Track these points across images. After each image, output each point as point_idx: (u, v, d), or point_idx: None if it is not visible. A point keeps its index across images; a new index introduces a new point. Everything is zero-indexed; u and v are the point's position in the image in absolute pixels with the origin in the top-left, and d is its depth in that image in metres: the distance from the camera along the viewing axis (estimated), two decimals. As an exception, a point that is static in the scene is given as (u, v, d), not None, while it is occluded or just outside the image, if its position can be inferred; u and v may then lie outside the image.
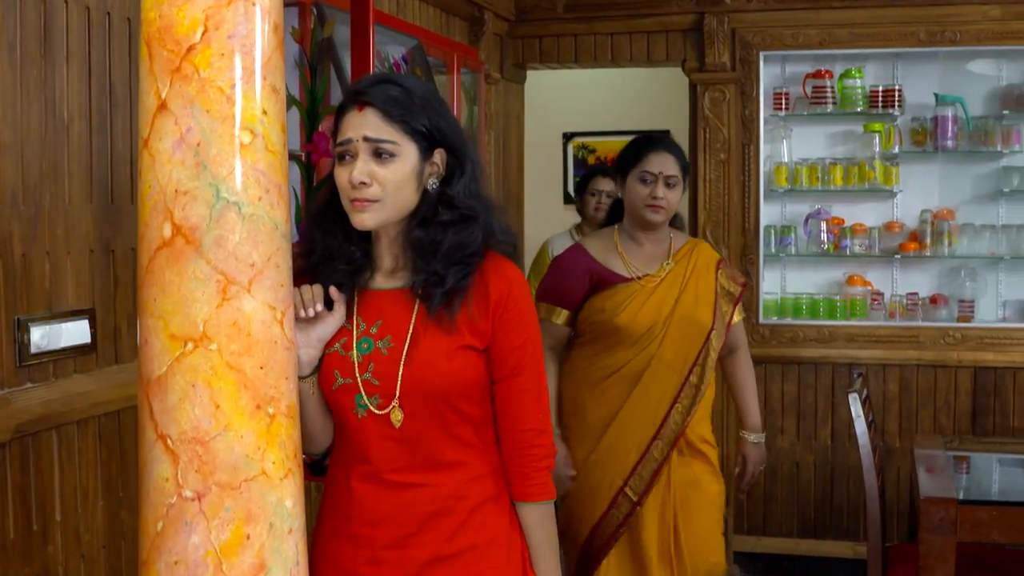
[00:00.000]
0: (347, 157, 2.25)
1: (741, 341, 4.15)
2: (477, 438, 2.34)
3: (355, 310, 2.32)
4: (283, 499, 2.01)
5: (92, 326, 2.92)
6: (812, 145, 6.44)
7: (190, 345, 1.94)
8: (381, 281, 2.34)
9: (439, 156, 2.28)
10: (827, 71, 6.27)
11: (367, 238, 2.34)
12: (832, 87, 6.28)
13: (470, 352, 2.28)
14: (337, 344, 2.30)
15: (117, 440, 2.98)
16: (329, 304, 2.27)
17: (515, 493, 2.37)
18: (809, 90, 6.30)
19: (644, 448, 3.84)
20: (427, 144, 2.26)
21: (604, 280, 3.92)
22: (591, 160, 8.78)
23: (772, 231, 6.38)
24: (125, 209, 3.03)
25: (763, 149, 6.29)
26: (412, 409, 2.26)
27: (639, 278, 3.91)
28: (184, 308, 1.94)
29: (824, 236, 6.35)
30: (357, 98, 2.25)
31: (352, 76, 3.33)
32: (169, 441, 1.95)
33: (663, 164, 3.86)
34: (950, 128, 6.11)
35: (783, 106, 6.31)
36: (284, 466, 2.02)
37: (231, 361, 1.95)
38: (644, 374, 3.85)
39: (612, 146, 8.50)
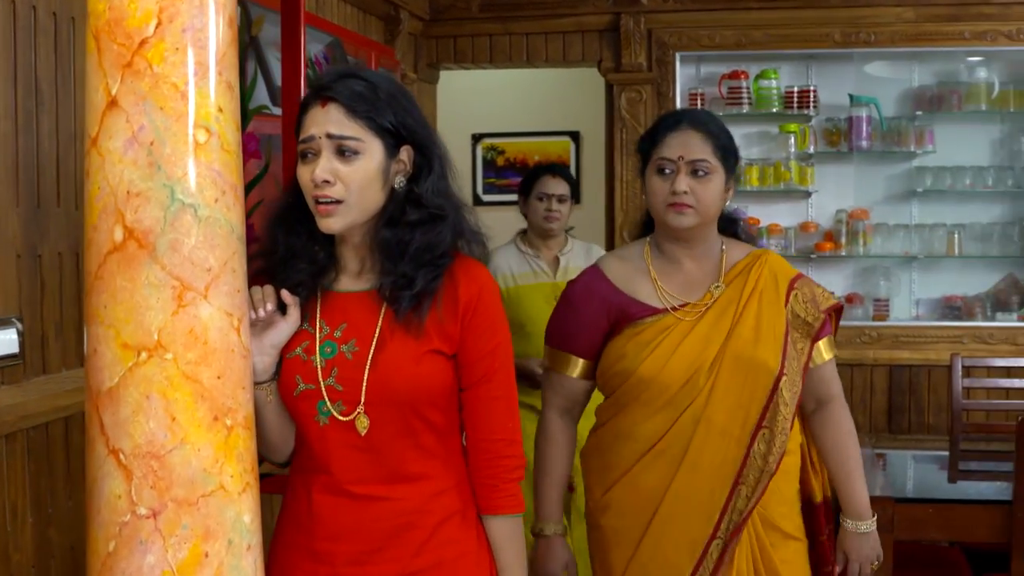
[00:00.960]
0: (309, 155, 2.15)
1: (834, 390, 2.97)
2: (443, 448, 2.25)
3: (318, 313, 2.23)
4: (241, 514, 1.92)
5: (19, 335, 2.79)
6: (728, 146, 6.44)
7: (144, 354, 1.84)
8: (346, 283, 2.25)
9: (406, 153, 2.19)
10: (743, 72, 6.30)
11: (331, 239, 2.24)
12: (748, 88, 6.31)
13: (438, 357, 2.20)
14: (298, 348, 2.20)
15: (46, 455, 2.85)
16: (283, 308, 2.18)
17: (483, 506, 2.28)
18: (725, 91, 6.33)
19: (700, 553, 2.81)
20: (393, 141, 2.17)
21: (627, 313, 2.88)
22: (500, 161, 8.71)
23: (689, 232, 6.38)
24: (51, 212, 2.91)
25: (679, 150, 6.28)
26: (378, 416, 2.17)
27: (675, 309, 2.85)
28: (137, 316, 1.84)
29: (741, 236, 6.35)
30: (320, 93, 2.16)
31: (283, 76, 3.23)
32: (122, 456, 1.85)
33: (686, 145, 2.80)
34: (864, 129, 6.18)
35: (699, 106, 6.32)
36: (242, 480, 1.93)
37: (187, 371, 1.85)
38: (690, 447, 2.79)
39: (521, 147, 8.46)
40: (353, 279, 2.25)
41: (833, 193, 6.38)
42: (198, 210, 1.86)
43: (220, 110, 1.89)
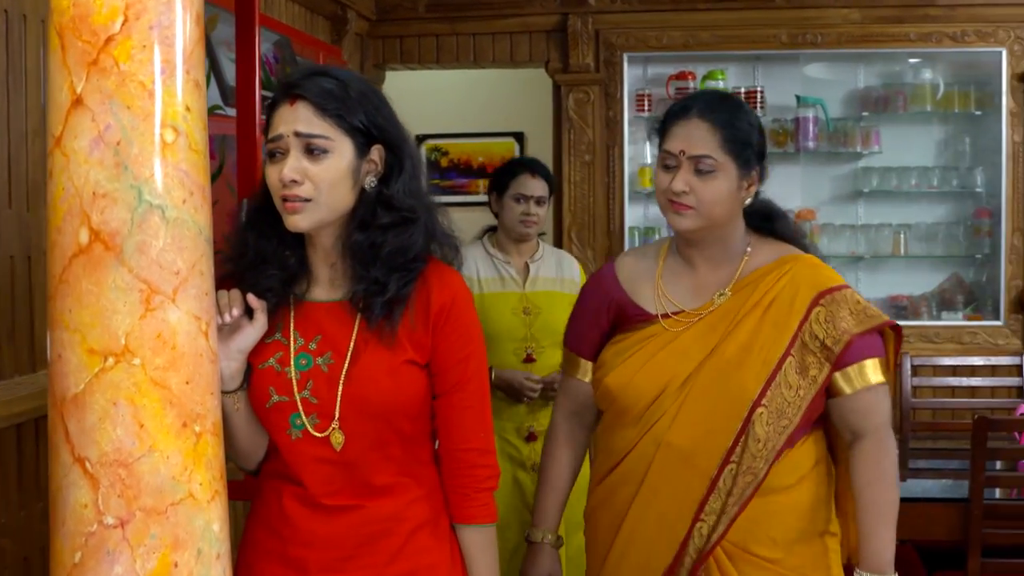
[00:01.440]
0: (277, 154, 2.11)
1: (870, 422, 2.51)
2: (415, 459, 2.22)
3: (291, 324, 2.18)
4: (211, 522, 1.88)
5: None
6: (675, 146, 6.45)
7: (111, 360, 1.79)
8: (319, 293, 2.20)
9: (377, 153, 2.15)
10: (690, 73, 6.32)
11: (302, 244, 2.20)
12: (695, 89, 6.31)
13: (412, 367, 2.16)
14: (272, 359, 2.16)
15: (-1, 462, 2.79)
16: (250, 313, 2.13)
17: (456, 515, 2.24)
18: (672, 91, 6.33)
19: None
20: (364, 140, 2.13)
21: (623, 316, 2.65)
22: (444, 163, 8.65)
23: (636, 232, 6.39)
24: (3, 214, 2.85)
25: (627, 150, 6.29)
26: (353, 430, 2.13)
27: (666, 316, 2.58)
28: (104, 320, 1.79)
29: (688, 237, 6.37)
30: (289, 91, 2.12)
31: (238, 76, 3.18)
32: (88, 464, 1.80)
33: (688, 138, 2.49)
34: (811, 129, 6.22)
35: (646, 107, 6.33)
36: (211, 487, 1.88)
37: (155, 376, 1.81)
38: (649, 471, 2.53)
39: (465, 148, 8.42)
40: (326, 288, 2.20)
41: (780, 193, 6.28)
42: (166, 211, 1.81)
43: (188, 109, 1.85)
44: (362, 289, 2.14)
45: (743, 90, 6.28)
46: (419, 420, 2.20)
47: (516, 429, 4.28)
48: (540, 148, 7.92)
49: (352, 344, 2.14)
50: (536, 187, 4.33)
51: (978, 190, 6.20)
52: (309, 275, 2.21)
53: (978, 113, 6.18)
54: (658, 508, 2.51)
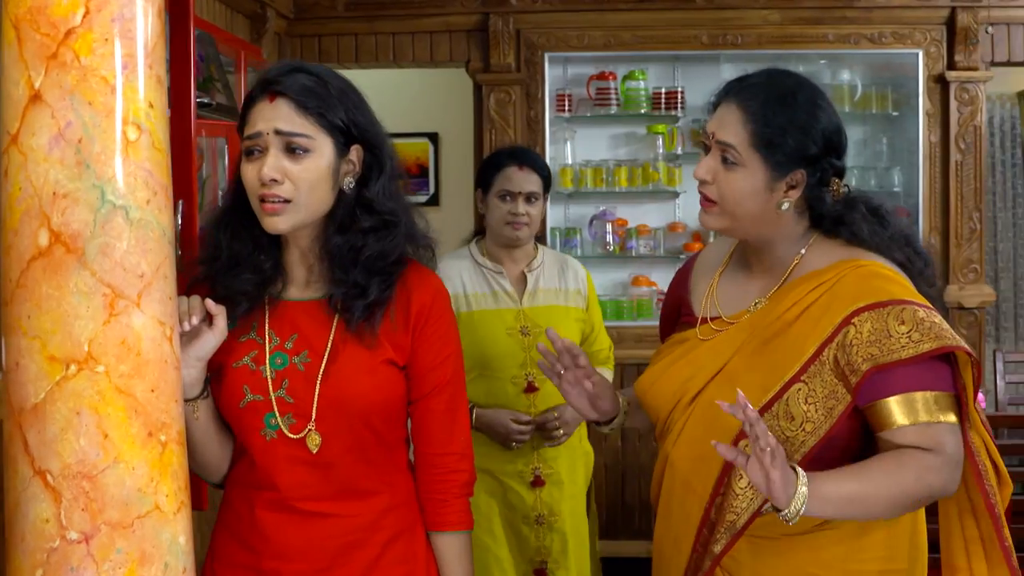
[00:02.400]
0: (256, 152, 2.05)
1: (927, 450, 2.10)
2: (392, 463, 2.17)
3: (267, 323, 2.12)
4: (177, 535, 1.81)
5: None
6: (596, 147, 6.47)
7: (73, 367, 1.72)
8: (295, 292, 2.15)
9: (356, 153, 2.10)
10: (611, 73, 6.31)
11: (277, 245, 2.14)
12: (616, 89, 6.32)
13: (391, 368, 2.12)
14: (246, 357, 2.10)
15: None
16: (210, 318, 2.06)
17: (432, 522, 2.19)
18: (593, 92, 6.32)
19: None
20: (344, 140, 2.08)
21: (681, 315, 2.44)
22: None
23: (557, 233, 6.37)
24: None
25: (548, 151, 6.27)
26: (330, 430, 2.08)
27: (705, 321, 2.33)
28: (65, 326, 1.72)
29: (610, 237, 6.39)
30: (268, 87, 2.05)
31: (171, 77, 3.09)
32: (49, 477, 1.72)
33: (721, 121, 2.22)
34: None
35: (566, 108, 6.31)
36: (177, 499, 1.82)
37: (120, 384, 1.74)
38: (661, 490, 2.34)
39: (382, 149, 8.31)
40: (301, 288, 2.15)
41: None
42: (129, 212, 1.74)
43: (151, 105, 1.78)
44: (341, 292, 2.09)
45: (663, 90, 6.28)
46: (396, 424, 2.16)
47: (518, 473, 3.65)
48: (455, 149, 7.88)
49: (330, 343, 2.09)
50: (525, 181, 3.64)
51: (896, 190, 6.28)
52: (284, 274, 2.16)
53: (895, 114, 6.26)
54: (673, 527, 2.29)
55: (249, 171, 2.05)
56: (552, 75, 6.30)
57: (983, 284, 6.17)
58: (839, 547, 2.18)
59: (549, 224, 6.27)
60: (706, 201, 2.24)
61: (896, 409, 2.08)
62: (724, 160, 2.19)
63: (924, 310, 2.12)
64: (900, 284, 2.17)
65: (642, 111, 6.30)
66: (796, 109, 2.20)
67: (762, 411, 2.12)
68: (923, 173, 6.11)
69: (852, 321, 2.11)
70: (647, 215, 6.46)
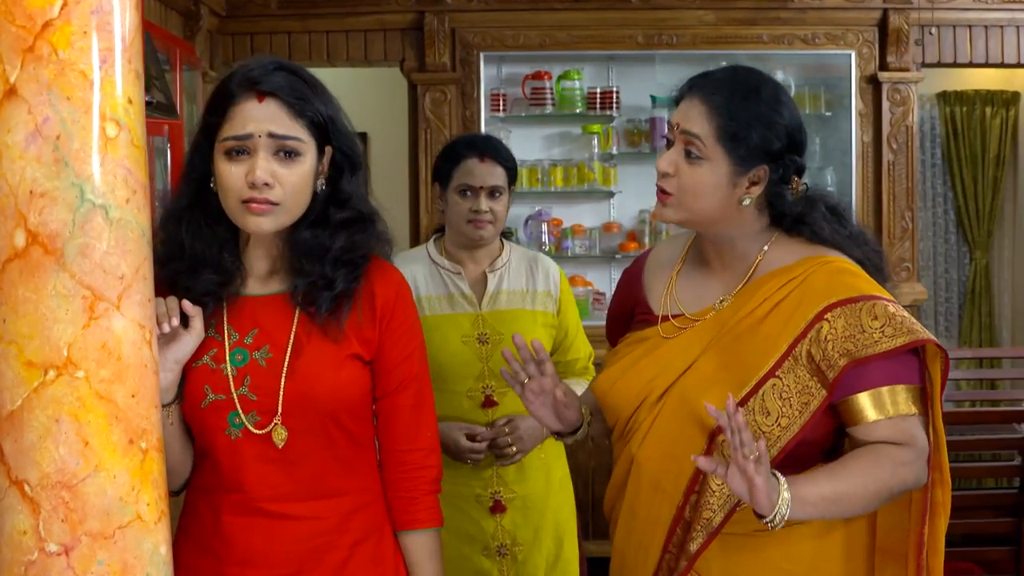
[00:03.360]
0: (241, 153, 1.99)
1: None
2: (360, 461, 2.14)
3: (225, 318, 2.07)
4: (158, 545, 1.75)
5: None
6: (531, 147, 6.45)
7: (52, 373, 1.64)
8: (253, 286, 2.11)
9: (328, 153, 2.08)
10: (546, 72, 6.30)
11: (236, 242, 2.10)
12: (551, 89, 6.31)
13: (357, 362, 2.09)
14: (205, 356, 2.05)
15: None
16: (185, 319, 2.01)
17: (401, 521, 2.16)
18: (528, 91, 6.31)
19: None
20: (322, 140, 2.06)
21: (636, 314, 2.39)
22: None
23: (493, 233, 6.33)
24: None
25: (484, 151, 6.23)
26: (296, 426, 2.04)
27: (666, 319, 2.30)
28: (44, 330, 1.64)
29: (545, 237, 6.38)
30: (254, 85, 2.00)
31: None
32: (27, 487, 1.65)
33: (685, 113, 2.20)
34: (666, 130, 6.23)
35: (501, 107, 6.29)
36: (158, 508, 1.75)
37: (101, 390, 1.67)
38: (627, 489, 2.29)
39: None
40: (261, 282, 2.12)
41: (635, 193, 6.44)
42: (109, 211, 1.67)
43: (129, 101, 1.71)
44: (306, 283, 2.06)
45: (599, 90, 6.29)
46: (364, 420, 2.14)
47: (476, 497, 3.26)
48: (386, 149, 7.80)
49: (292, 337, 2.06)
50: (487, 174, 3.28)
51: (829, 189, 6.31)
52: (243, 269, 2.11)
53: (828, 114, 6.32)
54: (637, 530, 2.27)
55: (233, 172, 2.00)
56: (487, 74, 6.28)
57: (915, 283, 6.25)
58: (808, 542, 2.18)
59: (485, 224, 6.23)
60: (663, 193, 2.21)
61: (868, 404, 2.10)
62: (688, 154, 2.18)
63: (893, 305, 2.14)
64: (867, 280, 2.19)
65: (577, 111, 6.30)
66: (761, 104, 2.19)
67: (743, 405, 2.12)
68: (856, 173, 6.18)
69: (825, 317, 2.12)
70: (582, 215, 6.46)
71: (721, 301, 2.26)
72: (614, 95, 6.27)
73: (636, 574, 2.28)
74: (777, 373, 2.13)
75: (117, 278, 1.68)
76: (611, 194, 6.43)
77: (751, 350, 2.16)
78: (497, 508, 3.26)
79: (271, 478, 2.05)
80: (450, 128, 6.12)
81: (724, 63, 6.19)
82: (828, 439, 2.20)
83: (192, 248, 2.05)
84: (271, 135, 1.99)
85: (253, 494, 2.04)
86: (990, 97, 8.86)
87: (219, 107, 2.02)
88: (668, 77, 6.35)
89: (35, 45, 1.64)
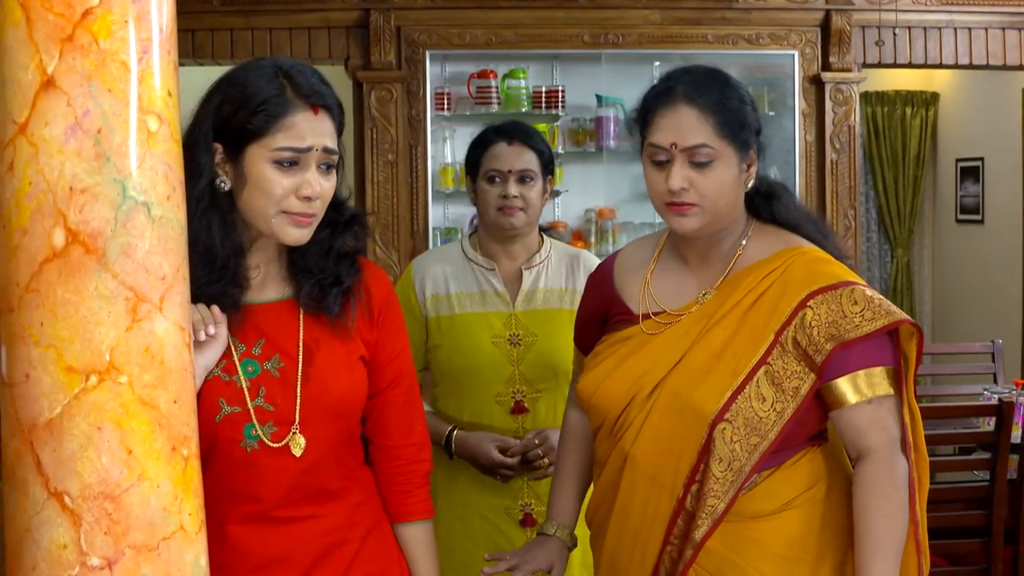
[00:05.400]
0: (293, 164, 1.97)
1: (871, 441, 2.19)
2: (356, 459, 2.17)
3: (228, 330, 2.02)
4: (199, 556, 1.69)
5: None
6: (477, 146, 6.39)
7: (94, 378, 1.57)
8: (251, 296, 2.06)
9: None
10: (491, 71, 6.26)
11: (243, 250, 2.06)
12: (496, 87, 6.27)
13: (361, 363, 2.10)
14: (216, 368, 2.00)
15: None
16: None
17: (398, 513, 2.20)
18: (474, 90, 6.26)
19: None
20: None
21: (610, 314, 2.40)
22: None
23: (438, 233, 6.29)
24: None
25: (429, 150, 6.19)
26: (314, 434, 2.03)
27: (647, 316, 2.33)
28: (85, 333, 1.57)
29: (490, 237, 6.32)
30: (310, 99, 1.98)
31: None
32: (67, 499, 1.57)
33: (678, 128, 2.21)
34: (612, 129, 6.25)
35: (446, 106, 6.23)
36: (198, 517, 1.69)
37: (144, 395, 1.60)
38: (619, 488, 2.30)
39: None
40: (257, 290, 2.08)
41: (580, 192, 6.43)
42: (151, 209, 1.61)
43: (169, 94, 1.65)
44: (315, 282, 2.05)
45: (544, 89, 6.26)
46: (359, 418, 2.16)
47: (505, 509, 3.11)
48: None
49: (301, 344, 2.04)
50: (516, 158, 3.09)
51: (774, 188, 6.37)
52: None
53: (772, 114, 6.34)
54: (632, 527, 2.28)
55: (284, 182, 1.97)
56: (431, 73, 6.22)
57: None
58: (802, 524, 2.23)
59: (431, 224, 6.18)
60: (684, 206, 2.23)
61: (849, 387, 2.18)
62: (694, 163, 2.21)
63: (869, 289, 2.22)
64: (842, 267, 2.28)
65: (523, 110, 6.27)
66: (736, 87, 2.29)
67: (735, 394, 2.18)
68: (799, 172, 6.23)
69: (808, 304, 2.19)
70: (528, 214, 6.41)
71: (704, 295, 2.30)
72: (559, 94, 6.25)
73: (632, 571, 2.29)
74: (768, 360, 2.19)
75: (159, 278, 1.62)
76: (556, 193, 6.40)
77: (741, 340, 2.22)
78: (527, 521, 3.11)
79: (286, 487, 2.04)
80: (396, 127, 6.06)
81: (669, 62, 6.29)
82: (820, 421, 2.26)
83: (218, 254, 1.99)
84: (325, 149, 1.99)
85: (267, 504, 2.03)
86: (910, 97, 9.02)
87: (265, 113, 1.96)
88: (613, 76, 6.36)
89: (74, 34, 1.56)
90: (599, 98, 6.27)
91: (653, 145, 2.25)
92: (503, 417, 3.09)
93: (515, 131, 3.18)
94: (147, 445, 1.60)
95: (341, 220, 2.09)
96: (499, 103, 6.26)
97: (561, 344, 2.97)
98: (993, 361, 5.54)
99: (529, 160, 3.11)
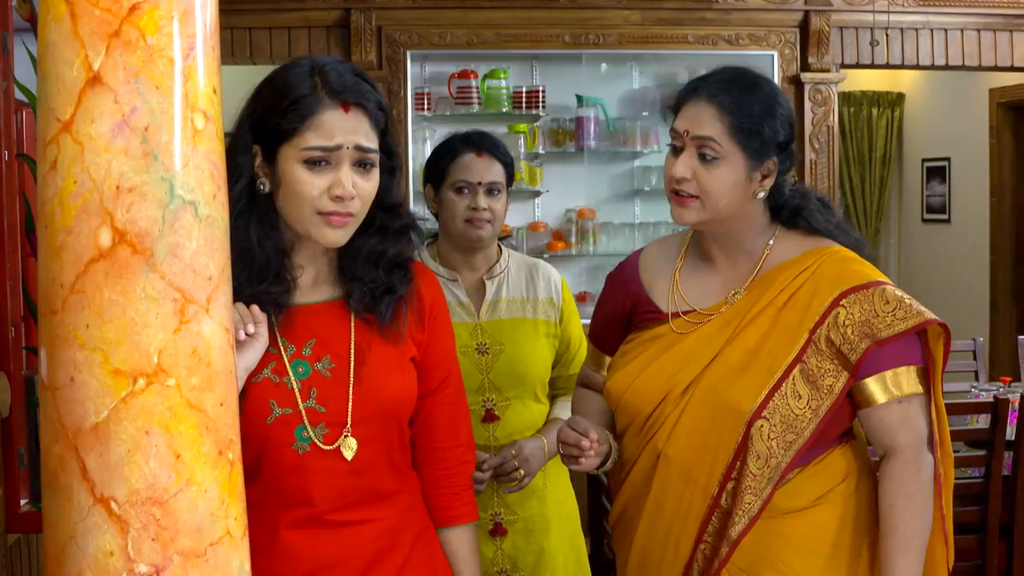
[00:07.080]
0: (324, 163, 1.93)
1: (900, 439, 2.23)
2: (406, 463, 2.12)
3: (276, 331, 1.98)
4: (244, 562, 1.66)
5: None
6: (456, 146, 6.36)
7: (142, 381, 1.53)
8: (300, 296, 2.02)
9: (382, 161, 2.03)
10: (472, 71, 6.24)
11: (287, 251, 2.02)
12: (477, 88, 6.25)
13: (412, 364, 2.07)
14: (266, 370, 1.96)
15: None
16: None
17: (444, 516, 2.16)
18: (454, 90, 6.23)
19: None
20: (383, 147, 2.02)
21: (636, 312, 2.42)
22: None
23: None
24: None
25: (410, 150, 6.16)
26: (365, 436, 1.99)
27: (676, 315, 2.35)
28: (133, 335, 1.53)
29: (471, 238, 6.30)
30: (340, 96, 1.93)
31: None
32: (114, 505, 1.53)
33: (694, 118, 2.27)
34: (592, 129, 6.25)
35: (426, 107, 6.20)
36: (242, 522, 1.66)
37: (191, 399, 1.56)
38: (652, 486, 2.30)
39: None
40: (307, 290, 2.04)
41: (561, 193, 6.43)
42: (198, 208, 1.57)
43: (214, 91, 1.62)
44: (366, 290, 2.02)
45: (524, 89, 6.25)
46: (408, 422, 2.12)
47: None
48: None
49: (352, 345, 2.01)
50: (486, 170, 3.08)
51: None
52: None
53: (751, 114, 6.36)
54: (664, 525, 2.30)
55: (316, 182, 1.94)
56: (412, 73, 6.19)
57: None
58: (831, 519, 2.26)
59: (411, 225, 6.15)
60: (682, 197, 2.26)
61: (879, 386, 2.22)
62: (703, 157, 2.24)
63: (898, 289, 2.27)
64: (871, 267, 2.31)
65: (504, 110, 6.26)
66: (764, 98, 2.28)
67: (772, 392, 2.21)
68: (779, 172, 6.22)
69: (841, 303, 2.22)
70: (508, 214, 6.35)
71: (734, 294, 2.33)
72: (540, 94, 6.24)
73: (662, 566, 2.31)
74: (803, 358, 2.22)
75: (206, 279, 1.58)
76: (537, 193, 6.40)
77: (775, 338, 2.25)
78: (497, 531, 3.10)
79: (339, 490, 1.99)
80: (376, 127, 6.02)
81: (648, 63, 6.30)
82: (850, 418, 2.29)
83: (257, 254, 1.95)
84: (358, 147, 1.94)
85: (321, 507, 1.98)
86: (876, 98, 9.09)
87: (295, 112, 1.93)
88: (594, 76, 6.36)
89: (121, 29, 1.53)
90: (579, 98, 6.26)
91: (672, 130, 2.30)
92: (475, 426, 2.89)
93: (484, 142, 3.15)
94: (195, 449, 1.57)
95: (393, 227, 2.04)
96: (480, 103, 6.24)
97: (528, 352, 3.09)
98: (975, 359, 5.57)
99: (497, 172, 3.12)
